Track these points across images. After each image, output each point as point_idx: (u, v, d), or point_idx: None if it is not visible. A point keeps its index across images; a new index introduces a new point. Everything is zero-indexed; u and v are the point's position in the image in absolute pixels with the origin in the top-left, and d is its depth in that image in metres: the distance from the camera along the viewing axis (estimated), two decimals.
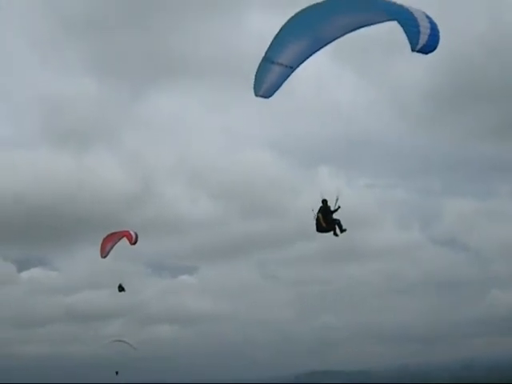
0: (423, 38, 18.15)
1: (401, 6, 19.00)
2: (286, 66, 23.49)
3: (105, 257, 54.43)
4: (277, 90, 24.46)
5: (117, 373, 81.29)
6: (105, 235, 54.67)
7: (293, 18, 22.62)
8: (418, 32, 18.02)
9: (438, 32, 18.70)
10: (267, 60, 23.37)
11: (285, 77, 24.05)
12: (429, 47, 18.38)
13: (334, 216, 25.47)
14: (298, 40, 22.82)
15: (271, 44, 23.17)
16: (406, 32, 18.21)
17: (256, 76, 24.16)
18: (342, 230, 25.54)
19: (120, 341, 71.19)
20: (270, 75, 23.87)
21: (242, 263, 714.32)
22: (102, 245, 54.25)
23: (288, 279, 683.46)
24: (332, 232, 25.85)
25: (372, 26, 22.53)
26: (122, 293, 58.35)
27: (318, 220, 25.86)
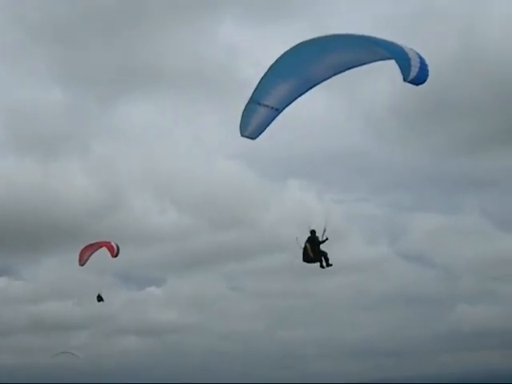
0: (414, 71, 19.27)
1: (396, 45, 20.09)
2: (272, 108, 23.41)
3: (82, 265, 54.23)
4: (263, 131, 24.36)
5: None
6: (84, 244, 54.47)
7: (281, 57, 22.59)
8: (409, 65, 19.20)
9: (427, 66, 19.85)
10: (253, 101, 23.51)
11: (271, 119, 24.00)
12: (419, 79, 19.48)
13: (322, 248, 25.45)
14: (286, 82, 22.89)
15: (258, 85, 23.27)
16: (398, 64, 19.29)
17: (242, 117, 24.14)
18: (328, 264, 25.77)
19: (66, 352, 70.23)
20: (256, 117, 23.88)
21: (209, 275, 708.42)
22: (80, 253, 54.10)
23: (255, 291, 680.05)
24: (318, 263, 25.83)
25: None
26: (101, 303, 58.07)
27: (305, 250, 25.71)
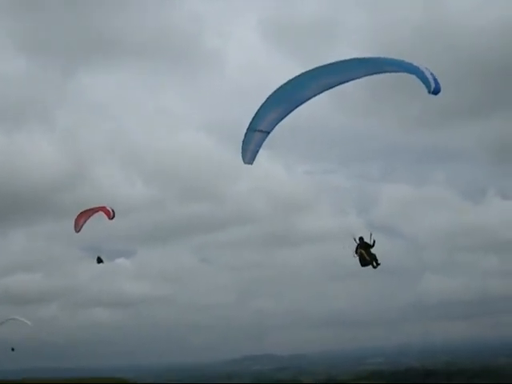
0: (433, 83, 21.80)
1: (407, 63, 22.66)
2: (264, 132, 25.96)
3: (78, 231, 55.27)
4: (257, 153, 27.07)
5: (12, 349, 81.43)
6: (79, 211, 55.66)
7: (280, 87, 24.35)
8: (428, 78, 21.85)
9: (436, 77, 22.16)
10: (251, 129, 25.81)
11: (263, 141, 26.63)
12: (437, 90, 21.74)
13: (372, 250, 29.56)
14: (279, 107, 25.07)
15: (255, 114, 25.29)
16: (421, 79, 21.92)
17: (243, 145, 26.68)
18: (378, 264, 29.88)
19: (13, 319, 69.88)
20: (253, 143, 26.48)
21: (178, 247, 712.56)
22: (76, 220, 55.10)
23: (225, 263, 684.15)
24: (371, 265, 30.06)
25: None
26: (101, 264, 59.49)
27: (362, 255, 29.74)
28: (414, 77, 22.87)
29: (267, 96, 25.01)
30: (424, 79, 22.11)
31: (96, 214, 54.91)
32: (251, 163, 27.66)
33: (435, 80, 22.08)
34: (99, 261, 59.34)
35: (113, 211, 53.61)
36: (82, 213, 55.35)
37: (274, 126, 26.05)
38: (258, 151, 26.99)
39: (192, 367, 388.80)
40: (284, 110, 25.46)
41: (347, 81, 24.60)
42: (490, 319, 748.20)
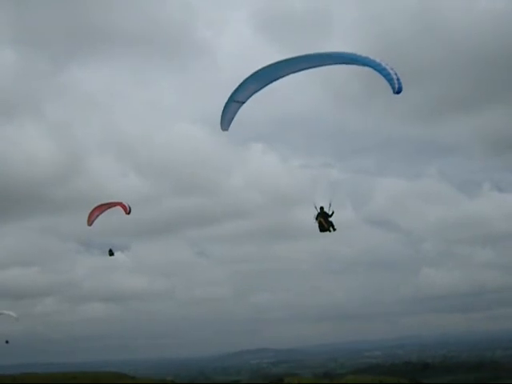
0: (397, 83, 23.49)
1: (377, 61, 24.32)
2: (239, 102, 29.40)
3: (90, 225, 55.98)
4: (232, 121, 30.46)
5: (7, 342, 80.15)
6: (94, 205, 56.00)
7: (261, 68, 27.75)
8: (393, 79, 23.53)
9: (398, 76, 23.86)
10: (230, 100, 29.14)
11: (237, 110, 29.89)
12: (399, 90, 23.53)
13: (330, 219, 32.18)
14: (256, 82, 28.44)
15: (237, 88, 28.68)
16: (387, 79, 23.69)
17: (222, 114, 29.77)
18: (334, 229, 32.44)
19: (0, 314, 69.74)
20: (231, 111, 29.70)
21: (173, 241, 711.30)
22: (90, 213, 55.69)
23: (221, 257, 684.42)
24: (329, 231, 32.51)
25: None
26: (112, 257, 59.73)
27: (320, 223, 32.04)
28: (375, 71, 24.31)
29: (246, 76, 28.20)
30: (389, 80, 23.65)
31: (110, 210, 55.85)
32: (227, 129, 30.74)
33: (398, 80, 23.51)
34: (111, 253, 59.90)
35: (129, 207, 54.76)
36: (97, 207, 55.84)
37: (248, 98, 29.25)
38: (233, 119, 30.19)
39: (189, 361, 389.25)
40: (258, 85, 28.67)
41: (317, 66, 27.13)
42: (487, 312, 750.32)
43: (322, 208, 32.25)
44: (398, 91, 23.48)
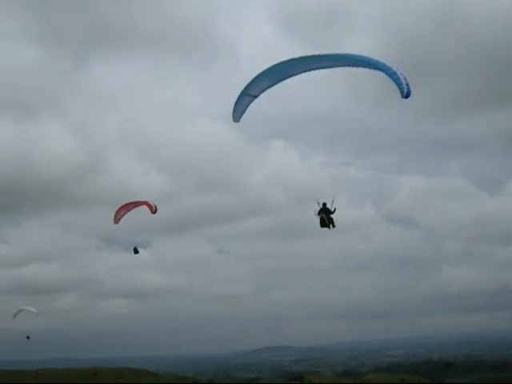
0: (406, 87, 24.29)
1: (388, 66, 25.07)
2: (252, 96, 30.16)
3: (117, 223, 56.74)
4: (243, 113, 31.28)
5: (28, 337, 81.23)
6: (120, 205, 56.87)
7: (276, 64, 28.33)
8: (402, 83, 24.27)
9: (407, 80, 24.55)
10: (243, 93, 29.92)
11: (250, 103, 30.62)
12: (408, 94, 24.31)
13: (331, 216, 33.34)
14: (269, 78, 29.12)
15: (250, 82, 29.40)
16: (396, 83, 24.41)
17: (235, 105, 30.55)
18: (334, 226, 33.61)
19: (22, 310, 70.03)
20: (243, 104, 30.49)
21: (194, 238, 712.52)
22: (116, 212, 56.40)
23: (242, 254, 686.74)
24: (329, 227, 33.66)
25: None
26: (137, 255, 60.39)
27: (322, 219, 33.00)
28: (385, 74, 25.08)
29: (262, 70, 28.86)
30: (399, 84, 24.42)
31: (137, 208, 56.29)
32: (238, 121, 31.55)
33: (407, 85, 24.25)
34: (136, 251, 60.38)
35: (155, 206, 55.26)
36: (123, 205, 56.42)
37: (261, 92, 30.01)
38: (244, 111, 31.04)
39: (210, 358, 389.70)
40: (272, 81, 29.31)
41: (329, 67, 27.67)
42: (510, 311, 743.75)
43: (324, 204, 33.31)
44: (407, 95, 24.25)
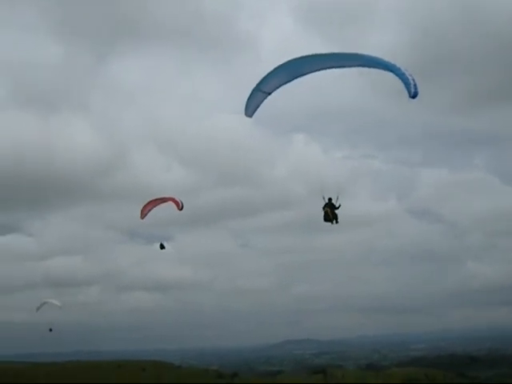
0: (414, 87, 24.77)
1: (397, 66, 25.62)
2: (266, 93, 30.56)
3: (143, 218, 57.26)
4: (257, 109, 31.67)
5: (50, 330, 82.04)
6: (147, 200, 57.39)
7: (289, 60, 28.67)
8: (410, 84, 24.75)
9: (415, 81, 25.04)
10: (257, 89, 30.36)
11: (263, 100, 31.05)
12: (415, 94, 24.84)
13: (336, 211, 34.10)
14: (282, 75, 29.44)
15: (263, 78, 29.84)
16: (404, 84, 24.91)
17: (248, 101, 30.96)
18: (337, 222, 34.37)
19: (45, 303, 70.67)
20: (256, 100, 30.92)
21: (216, 232, 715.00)
22: (143, 207, 56.88)
23: (265, 248, 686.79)
24: (332, 222, 34.49)
25: None
26: (163, 250, 60.96)
27: (326, 213, 33.81)
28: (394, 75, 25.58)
29: (275, 67, 29.17)
30: (407, 84, 25.02)
31: (163, 204, 56.51)
32: (251, 116, 32.02)
33: (415, 85, 24.82)
34: (162, 247, 60.86)
35: (182, 203, 55.37)
36: (150, 201, 56.72)
37: (274, 90, 30.36)
38: (258, 107, 31.45)
39: (233, 351, 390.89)
40: (285, 79, 29.64)
41: (340, 67, 28.10)
42: None
43: (330, 199, 34.17)
44: (414, 95, 24.87)
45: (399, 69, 25.50)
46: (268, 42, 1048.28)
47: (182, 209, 55.19)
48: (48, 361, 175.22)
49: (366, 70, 26.95)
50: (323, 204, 33.94)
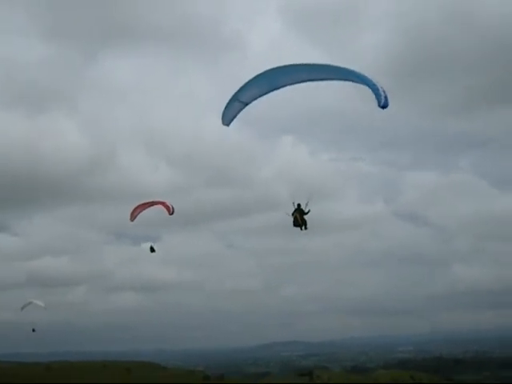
0: (384, 98, 25.60)
1: (368, 78, 26.37)
2: (243, 103, 30.69)
3: (132, 220, 57.23)
4: (234, 119, 31.88)
5: (33, 330, 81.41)
6: (138, 203, 57.58)
7: (264, 72, 29.00)
8: (380, 94, 25.56)
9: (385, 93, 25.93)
10: (234, 99, 30.54)
11: (240, 110, 31.19)
12: (385, 105, 25.69)
13: (305, 217, 34.44)
14: (259, 86, 29.75)
15: (240, 88, 30.08)
16: (375, 93, 25.68)
17: (225, 110, 31.21)
18: (306, 228, 34.70)
19: (30, 303, 70.30)
20: (233, 110, 31.15)
21: (204, 232, 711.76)
22: (133, 210, 56.80)
23: (252, 250, 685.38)
24: (301, 228, 34.78)
25: None
26: (153, 253, 61.60)
27: (295, 218, 34.11)
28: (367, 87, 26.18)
29: (253, 77, 29.52)
30: (378, 95, 25.81)
31: (154, 207, 56.57)
32: (228, 125, 32.26)
33: (386, 97, 25.72)
34: (152, 250, 61.10)
35: (172, 207, 55.31)
36: (140, 204, 56.69)
37: (252, 101, 30.57)
38: (235, 117, 31.63)
39: (220, 352, 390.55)
40: (262, 91, 29.91)
41: (314, 80, 28.52)
42: None
43: (299, 205, 34.51)
44: (384, 106, 25.71)
45: (371, 80, 26.24)
46: (256, 43, 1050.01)
47: (172, 213, 54.98)
48: (33, 360, 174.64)
49: (340, 82, 27.66)
50: (293, 210, 34.27)
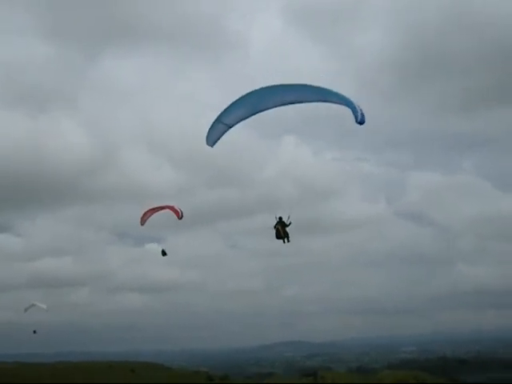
0: (361, 115, 26.59)
1: (346, 97, 27.32)
2: (227, 125, 31.36)
3: (143, 224, 57.39)
4: (218, 140, 32.60)
5: (34, 332, 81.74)
6: (147, 208, 57.58)
7: (248, 93, 29.44)
8: (358, 111, 26.52)
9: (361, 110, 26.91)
10: (218, 121, 31.11)
11: (224, 132, 31.81)
12: (362, 121, 26.67)
13: (287, 229, 35.56)
14: (243, 109, 30.22)
15: (224, 110, 30.52)
16: (352, 111, 26.67)
17: (209, 131, 31.74)
18: (288, 241, 35.77)
19: (34, 305, 70.32)
20: (217, 131, 31.70)
21: (207, 233, 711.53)
22: (143, 214, 56.90)
23: (255, 250, 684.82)
24: (283, 240, 35.84)
25: None
26: (165, 257, 60.68)
27: (277, 230, 35.32)
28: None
29: (236, 98, 29.87)
30: (355, 112, 26.73)
31: (163, 211, 56.42)
32: (212, 146, 32.87)
33: (362, 114, 26.69)
34: (164, 253, 60.62)
35: (181, 212, 55.30)
36: (150, 209, 56.80)
37: (236, 123, 31.13)
38: (219, 138, 32.29)
39: (224, 353, 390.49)
40: (246, 113, 30.51)
41: (300, 102, 29.32)
42: None
43: (280, 218, 35.67)
44: (361, 122, 26.71)
45: (348, 99, 27.35)
46: (258, 41, 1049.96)
47: (181, 218, 55.17)
48: (38, 361, 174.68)
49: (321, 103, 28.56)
50: (275, 222, 35.28)
